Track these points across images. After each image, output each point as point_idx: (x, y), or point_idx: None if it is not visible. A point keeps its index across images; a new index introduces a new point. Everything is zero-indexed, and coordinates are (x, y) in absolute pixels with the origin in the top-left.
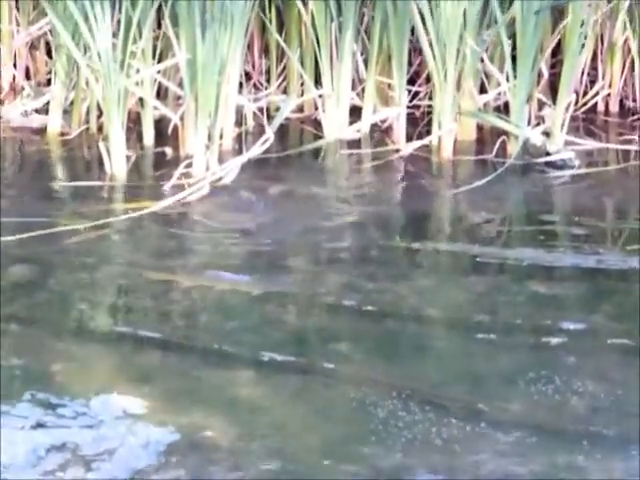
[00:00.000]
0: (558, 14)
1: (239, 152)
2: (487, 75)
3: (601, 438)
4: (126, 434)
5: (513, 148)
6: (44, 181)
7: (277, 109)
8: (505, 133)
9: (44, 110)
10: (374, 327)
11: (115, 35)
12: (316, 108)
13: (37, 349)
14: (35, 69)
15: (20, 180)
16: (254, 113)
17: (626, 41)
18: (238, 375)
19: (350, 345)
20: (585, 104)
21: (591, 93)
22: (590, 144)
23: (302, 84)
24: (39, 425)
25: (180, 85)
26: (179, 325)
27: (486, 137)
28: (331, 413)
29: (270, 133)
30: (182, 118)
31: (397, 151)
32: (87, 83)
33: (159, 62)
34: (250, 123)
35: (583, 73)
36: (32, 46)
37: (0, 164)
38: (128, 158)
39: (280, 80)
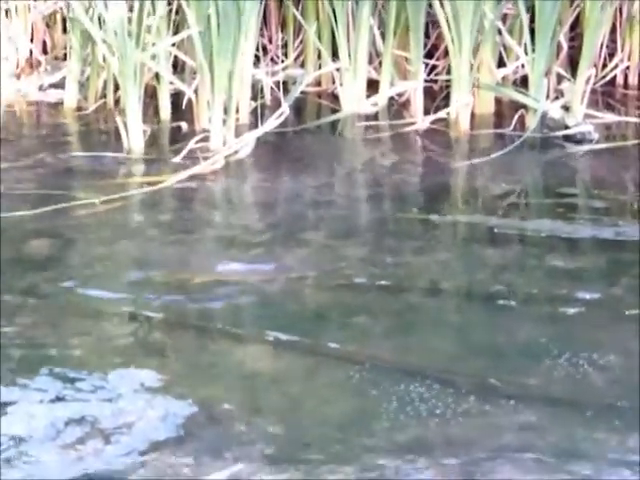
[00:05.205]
0: None
1: (255, 126)
2: (506, 48)
3: (618, 410)
4: (145, 407)
5: (531, 122)
6: (61, 155)
7: (294, 83)
8: (523, 107)
9: (61, 84)
10: (390, 300)
11: (130, 9)
12: (333, 82)
13: (55, 323)
14: (52, 44)
15: (37, 154)
16: (271, 87)
17: None
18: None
19: (367, 318)
20: (604, 77)
21: (610, 66)
22: (609, 117)
23: (319, 58)
24: (58, 399)
25: None
26: (195, 299)
27: (504, 110)
28: (348, 387)
29: (286, 107)
30: (196, 92)
31: (414, 124)
32: (103, 58)
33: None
34: (267, 97)
35: (602, 46)
36: (49, 21)
37: (17, 138)
38: (144, 132)
39: (297, 53)
